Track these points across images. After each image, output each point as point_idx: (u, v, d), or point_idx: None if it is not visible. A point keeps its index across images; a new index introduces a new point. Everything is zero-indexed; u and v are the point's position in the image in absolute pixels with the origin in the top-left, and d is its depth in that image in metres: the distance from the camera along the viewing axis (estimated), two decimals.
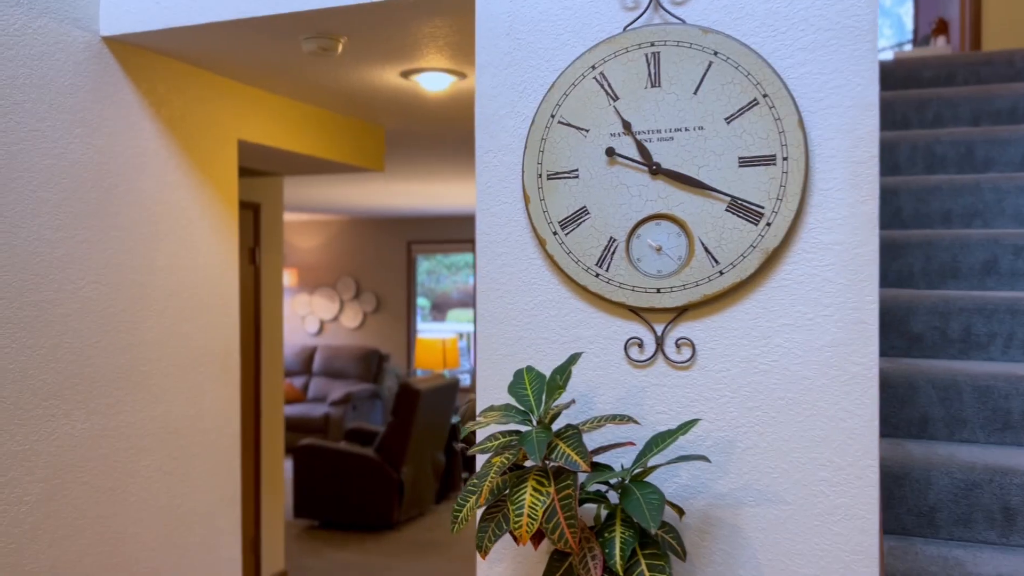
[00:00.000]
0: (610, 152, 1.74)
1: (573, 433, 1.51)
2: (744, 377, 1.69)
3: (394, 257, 9.76)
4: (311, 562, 5.32)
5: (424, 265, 9.87)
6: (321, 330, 10.02)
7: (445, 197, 7.20)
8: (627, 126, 1.74)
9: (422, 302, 9.89)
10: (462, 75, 2.89)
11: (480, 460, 1.85)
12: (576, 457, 1.45)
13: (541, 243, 1.80)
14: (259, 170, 4.26)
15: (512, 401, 1.82)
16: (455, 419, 6.84)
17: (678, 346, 1.73)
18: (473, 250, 9.47)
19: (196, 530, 2.75)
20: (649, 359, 1.75)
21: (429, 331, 9.76)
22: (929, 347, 2.48)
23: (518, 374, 1.68)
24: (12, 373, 2.15)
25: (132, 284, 2.50)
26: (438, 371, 8.26)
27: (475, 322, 9.41)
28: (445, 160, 5.11)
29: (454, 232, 9.54)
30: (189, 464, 2.72)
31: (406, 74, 2.88)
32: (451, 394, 6.35)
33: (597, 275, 1.76)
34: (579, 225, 1.77)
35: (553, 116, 1.79)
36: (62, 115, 2.28)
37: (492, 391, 1.86)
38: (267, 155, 3.54)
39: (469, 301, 9.83)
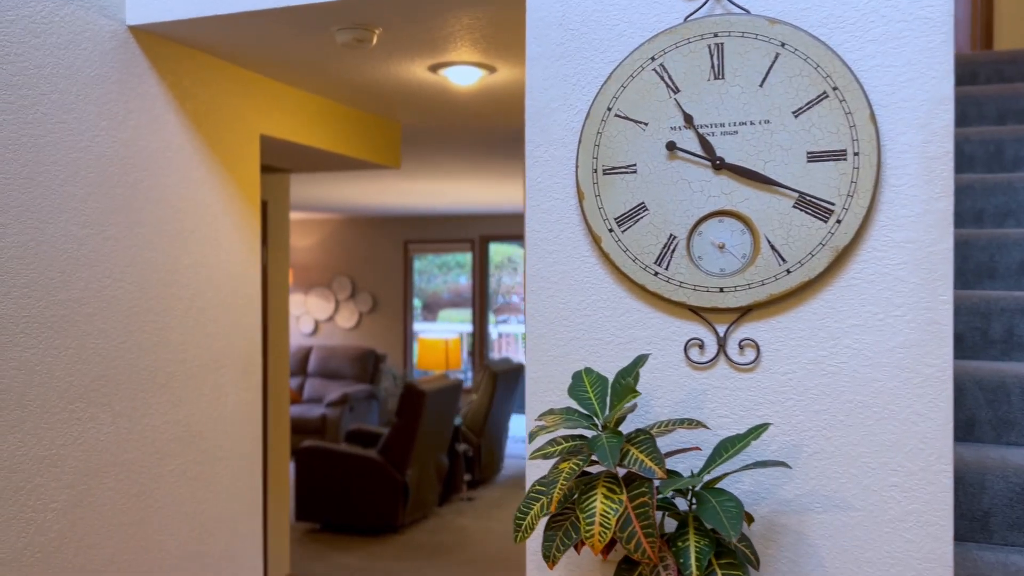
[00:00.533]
0: (671, 146, 1.68)
1: (646, 438, 1.45)
2: (811, 379, 1.64)
3: (390, 256, 9.67)
4: (315, 566, 5.23)
5: (415, 265, 9.78)
6: (316, 330, 9.93)
7: (453, 195, 7.12)
8: (688, 119, 1.68)
9: (414, 302, 9.81)
10: (492, 69, 2.83)
11: (531, 467, 1.78)
12: (651, 464, 1.39)
13: (596, 240, 1.74)
14: (269, 166, 4.18)
15: (573, 404, 1.75)
16: (458, 421, 6.77)
17: (741, 347, 1.68)
18: (471, 249, 9.40)
19: (219, 537, 2.67)
20: (710, 361, 1.70)
21: (428, 331, 9.68)
22: (970, 348, 2.44)
23: (577, 376, 1.62)
24: (39, 375, 2.07)
25: (157, 283, 2.42)
26: (439, 372, 8.18)
27: (473, 322, 9.35)
28: (458, 157, 5.04)
29: (452, 231, 9.46)
30: (213, 469, 2.64)
31: (434, 68, 2.81)
32: (455, 395, 6.28)
33: (656, 273, 1.70)
34: (637, 222, 1.71)
35: (609, 109, 1.73)
36: (88, 107, 2.20)
37: (543, 393, 1.80)
38: (285, 150, 3.47)
39: (460, 301, 9.76)
